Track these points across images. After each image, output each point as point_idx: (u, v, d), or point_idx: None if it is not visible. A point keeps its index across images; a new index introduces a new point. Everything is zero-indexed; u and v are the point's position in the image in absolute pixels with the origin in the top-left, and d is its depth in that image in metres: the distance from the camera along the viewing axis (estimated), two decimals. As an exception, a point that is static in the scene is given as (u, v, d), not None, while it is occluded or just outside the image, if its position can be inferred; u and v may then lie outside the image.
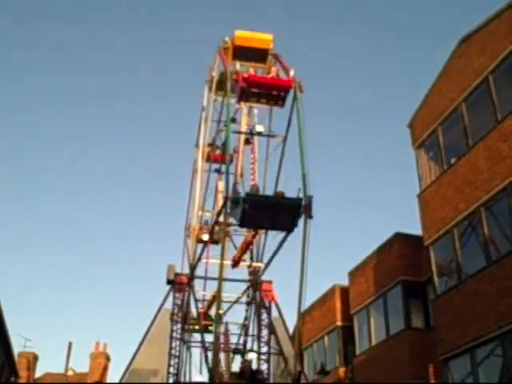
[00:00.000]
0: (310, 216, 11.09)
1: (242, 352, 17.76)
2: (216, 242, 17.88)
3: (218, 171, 19.29)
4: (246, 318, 18.64)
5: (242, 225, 12.44)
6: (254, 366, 15.23)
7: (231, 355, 18.81)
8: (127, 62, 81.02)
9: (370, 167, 76.24)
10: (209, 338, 17.41)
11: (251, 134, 15.95)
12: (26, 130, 76.49)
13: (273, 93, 12.78)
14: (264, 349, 17.03)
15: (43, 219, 76.19)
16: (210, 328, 18.27)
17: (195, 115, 19.93)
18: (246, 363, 13.40)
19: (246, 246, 16.82)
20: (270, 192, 15.01)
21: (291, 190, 12.13)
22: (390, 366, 22.06)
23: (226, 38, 14.36)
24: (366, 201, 77.21)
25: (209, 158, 18.86)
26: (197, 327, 18.50)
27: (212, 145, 18.82)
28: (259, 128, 14.87)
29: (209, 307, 19.39)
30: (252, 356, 14.11)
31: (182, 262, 19.76)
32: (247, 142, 17.63)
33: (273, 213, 11.66)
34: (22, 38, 73.91)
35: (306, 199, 11.17)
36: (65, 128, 77.72)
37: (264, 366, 16.64)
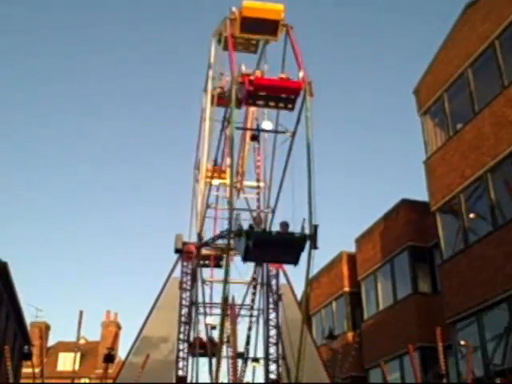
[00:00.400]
0: (315, 247, 10.96)
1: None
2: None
3: (226, 120, 18.84)
4: (253, 280, 18.89)
5: (245, 259, 12.24)
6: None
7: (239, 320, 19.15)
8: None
9: (377, 135, 76.12)
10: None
11: (258, 130, 15.60)
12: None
13: (281, 96, 12.09)
14: (272, 315, 17.29)
15: (54, 188, 76.66)
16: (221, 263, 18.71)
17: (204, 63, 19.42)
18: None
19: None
20: (275, 189, 15.12)
21: (297, 189, 12.00)
22: (398, 330, 22.40)
23: (233, 9, 13.93)
24: (372, 168, 77.31)
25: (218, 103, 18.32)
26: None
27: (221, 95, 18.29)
28: (267, 125, 14.30)
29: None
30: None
31: (189, 231, 19.88)
32: (253, 138, 17.34)
33: (277, 248, 11.48)
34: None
35: (312, 229, 10.98)
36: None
37: (272, 332, 16.96)
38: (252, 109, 16.94)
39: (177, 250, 18.41)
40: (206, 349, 18.70)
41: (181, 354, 17.21)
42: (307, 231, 10.90)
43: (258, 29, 13.60)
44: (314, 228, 10.86)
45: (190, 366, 17.73)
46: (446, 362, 15.57)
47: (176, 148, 76.77)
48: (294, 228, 11.15)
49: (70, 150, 77.81)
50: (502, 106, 17.86)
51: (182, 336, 17.45)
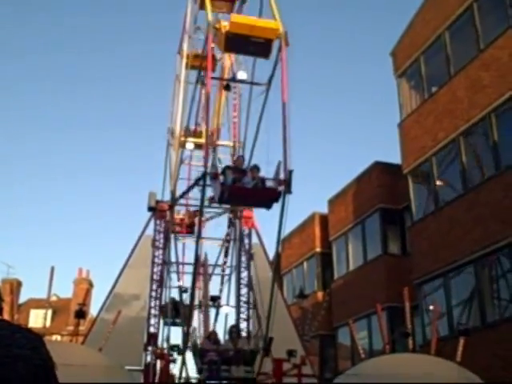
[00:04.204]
0: (289, 191, 11.05)
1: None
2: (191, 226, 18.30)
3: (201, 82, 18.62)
4: (226, 241, 18.96)
5: (219, 202, 12.43)
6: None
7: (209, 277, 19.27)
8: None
9: (352, 96, 75.91)
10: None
11: (233, 81, 15.48)
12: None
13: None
14: (244, 274, 17.42)
15: (28, 150, 75.40)
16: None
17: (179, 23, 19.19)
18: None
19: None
20: (250, 140, 14.98)
21: (273, 139, 11.96)
22: (367, 290, 22.77)
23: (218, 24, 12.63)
24: (347, 130, 77.38)
25: (191, 66, 18.04)
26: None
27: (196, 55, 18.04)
28: (242, 75, 14.08)
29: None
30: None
31: (162, 190, 19.79)
32: (227, 87, 17.15)
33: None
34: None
35: (286, 174, 11.03)
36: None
37: (244, 290, 17.13)
38: (227, 62, 16.75)
39: (150, 208, 18.33)
40: (178, 312, 18.71)
41: (152, 312, 17.33)
42: (282, 176, 11.04)
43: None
44: (289, 173, 10.99)
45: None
46: (413, 321, 15.94)
47: (151, 110, 75.75)
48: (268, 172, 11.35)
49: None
50: (477, 70, 17.89)
51: (153, 294, 17.55)
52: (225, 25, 11.44)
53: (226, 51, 13.30)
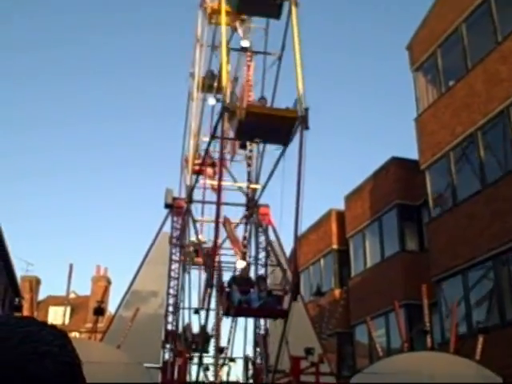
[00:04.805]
0: (306, 127, 11.20)
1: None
2: (213, 165, 17.95)
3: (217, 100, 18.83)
4: (244, 238, 18.89)
5: (237, 136, 12.53)
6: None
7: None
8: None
9: (368, 91, 75.56)
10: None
11: (238, 50, 15.62)
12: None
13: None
14: (261, 271, 17.35)
15: (50, 144, 76.03)
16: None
17: (190, 43, 19.48)
18: (244, 271, 13.49)
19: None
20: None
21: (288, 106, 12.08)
22: (384, 287, 22.62)
23: None
24: (363, 125, 77.07)
25: (204, 87, 18.35)
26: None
27: (204, 77, 18.30)
28: (245, 43, 14.50)
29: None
30: (241, 264, 14.20)
31: (179, 187, 19.82)
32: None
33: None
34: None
35: (302, 110, 11.21)
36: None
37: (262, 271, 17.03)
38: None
39: (167, 205, 18.38)
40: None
41: (170, 309, 17.37)
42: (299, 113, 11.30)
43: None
44: (305, 110, 11.15)
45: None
46: (431, 319, 15.79)
47: (166, 102, 75.93)
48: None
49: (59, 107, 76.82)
50: (495, 63, 17.67)
51: (171, 291, 17.58)
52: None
53: (240, 13, 13.66)
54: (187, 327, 18.49)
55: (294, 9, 12.16)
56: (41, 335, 0.96)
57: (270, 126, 11.71)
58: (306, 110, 11.22)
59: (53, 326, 1.01)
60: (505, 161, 17.22)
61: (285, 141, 12.02)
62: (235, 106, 11.52)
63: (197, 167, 17.61)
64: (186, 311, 19.18)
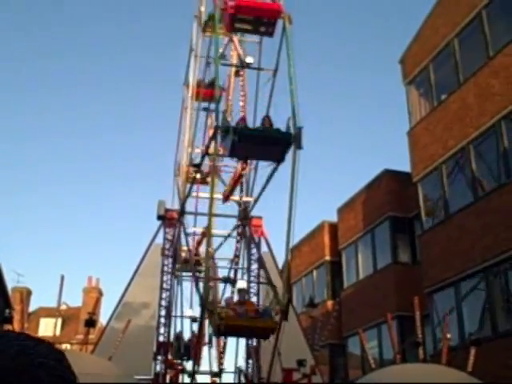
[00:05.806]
0: (299, 147, 11.17)
1: (231, 281, 18.13)
2: (205, 182, 17.94)
3: (207, 109, 18.97)
4: (236, 252, 18.90)
5: (231, 155, 12.54)
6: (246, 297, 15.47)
7: (220, 285, 19.18)
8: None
9: (361, 104, 75.91)
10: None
11: (241, 66, 15.73)
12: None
13: (263, 20, 12.30)
14: (253, 250, 17.30)
15: (39, 157, 75.80)
16: (200, 268, 18.46)
17: (184, 54, 19.62)
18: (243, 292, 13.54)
19: (238, 178, 16.78)
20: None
21: (281, 124, 12.13)
22: (377, 299, 22.64)
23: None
24: (356, 138, 77.37)
25: (198, 97, 18.38)
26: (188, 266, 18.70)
27: (200, 84, 18.41)
28: (249, 59, 14.56)
29: (198, 244, 19.61)
30: (242, 284, 14.26)
31: (172, 199, 19.84)
32: (237, 73, 17.45)
33: (262, 144, 11.71)
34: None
35: (296, 130, 11.18)
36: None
37: (254, 299, 17.03)
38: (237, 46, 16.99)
39: (159, 217, 18.37)
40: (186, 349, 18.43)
41: (162, 320, 17.31)
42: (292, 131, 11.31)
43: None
44: (299, 129, 11.13)
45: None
46: (423, 330, 15.79)
47: (159, 113, 76.03)
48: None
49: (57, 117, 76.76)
50: (487, 77, 17.83)
51: (163, 302, 17.53)
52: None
53: (233, 30, 13.74)
54: (179, 335, 18.48)
55: (287, 26, 12.17)
56: (37, 349, 0.97)
57: (264, 147, 11.74)
58: (300, 129, 11.17)
59: (49, 343, 1.03)
60: (497, 174, 17.34)
61: (278, 159, 12.01)
62: (228, 128, 11.48)
63: (190, 179, 17.62)
64: (179, 319, 19.21)
